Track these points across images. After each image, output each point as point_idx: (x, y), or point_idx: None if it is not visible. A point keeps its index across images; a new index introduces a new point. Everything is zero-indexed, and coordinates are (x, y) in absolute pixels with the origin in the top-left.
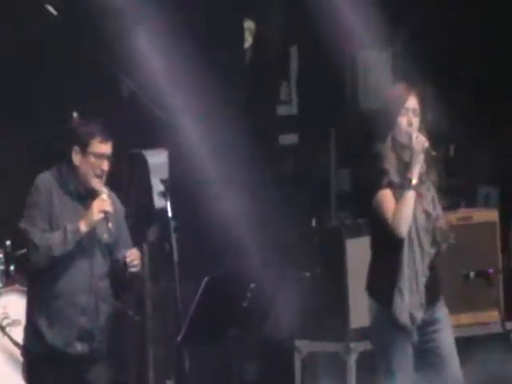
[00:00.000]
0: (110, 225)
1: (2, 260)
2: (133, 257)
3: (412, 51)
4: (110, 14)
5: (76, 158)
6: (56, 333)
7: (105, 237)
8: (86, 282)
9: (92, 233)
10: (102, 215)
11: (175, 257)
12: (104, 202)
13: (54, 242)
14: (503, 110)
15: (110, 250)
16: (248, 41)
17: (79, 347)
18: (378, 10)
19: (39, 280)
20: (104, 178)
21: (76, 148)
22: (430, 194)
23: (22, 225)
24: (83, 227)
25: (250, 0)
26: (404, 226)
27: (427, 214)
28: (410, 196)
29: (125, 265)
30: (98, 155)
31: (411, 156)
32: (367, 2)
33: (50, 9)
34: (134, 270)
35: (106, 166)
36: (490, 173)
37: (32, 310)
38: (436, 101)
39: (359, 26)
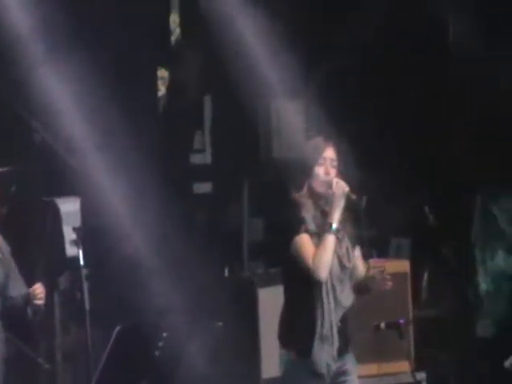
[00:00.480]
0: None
1: None
2: (38, 290)
3: (324, 100)
4: (17, 55)
5: None
6: None
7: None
8: None
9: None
10: None
11: (86, 305)
12: None
13: None
14: (417, 164)
15: (1, 289)
16: (161, 90)
17: None
18: (290, 59)
19: None
20: None
21: None
22: (345, 245)
23: None
24: None
25: (164, 49)
26: (324, 270)
27: (342, 266)
28: (331, 240)
29: (27, 300)
30: None
31: (329, 203)
32: (280, 51)
33: None
34: (38, 302)
35: None
36: (401, 224)
37: None
38: (347, 152)
39: (272, 75)
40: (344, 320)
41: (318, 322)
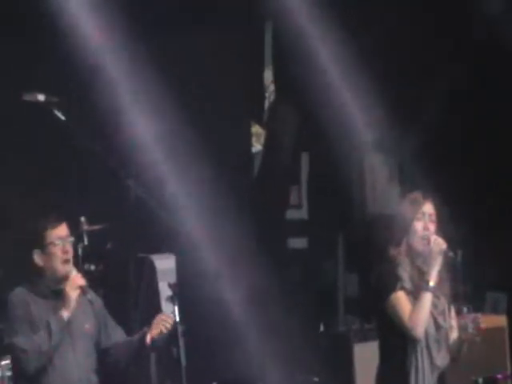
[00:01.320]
0: (88, 296)
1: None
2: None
3: (420, 159)
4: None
5: (39, 259)
6: None
7: (86, 327)
8: (77, 374)
9: (74, 325)
10: (78, 291)
11: (183, 361)
12: (75, 279)
13: (40, 339)
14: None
15: (96, 341)
16: (255, 146)
17: None
18: (385, 112)
19: (28, 381)
20: (70, 260)
21: (36, 251)
22: (441, 304)
23: (6, 339)
24: (65, 313)
25: (258, 104)
26: (421, 328)
27: (437, 326)
28: (428, 298)
29: (142, 337)
30: (55, 242)
31: (427, 261)
32: (375, 106)
33: (58, 114)
34: (165, 330)
35: (68, 246)
36: (497, 279)
37: None
38: (443, 208)
39: (367, 130)
40: (440, 380)
41: (411, 382)
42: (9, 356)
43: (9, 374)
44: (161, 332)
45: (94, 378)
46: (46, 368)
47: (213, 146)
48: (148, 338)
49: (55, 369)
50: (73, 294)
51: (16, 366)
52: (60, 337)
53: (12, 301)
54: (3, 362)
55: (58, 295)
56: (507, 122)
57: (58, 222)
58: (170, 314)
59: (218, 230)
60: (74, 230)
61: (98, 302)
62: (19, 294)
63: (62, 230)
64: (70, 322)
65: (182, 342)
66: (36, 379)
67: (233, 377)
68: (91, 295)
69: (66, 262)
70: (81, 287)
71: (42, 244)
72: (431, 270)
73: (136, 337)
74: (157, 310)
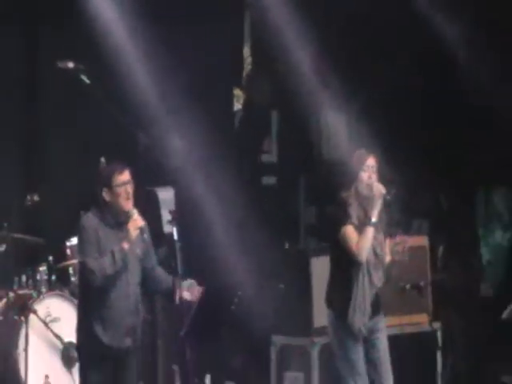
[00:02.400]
0: (145, 235)
1: (46, 271)
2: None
3: (367, 115)
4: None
5: (107, 196)
6: (110, 334)
7: (138, 252)
8: (129, 290)
9: (129, 252)
10: (137, 231)
11: (179, 271)
12: (136, 221)
13: (106, 263)
14: (435, 163)
15: (142, 261)
16: (236, 105)
17: (127, 342)
18: (339, 82)
19: (92, 295)
20: (131, 200)
21: (104, 189)
22: (379, 237)
23: (79, 258)
24: (125, 245)
25: (238, 73)
26: (364, 254)
27: (375, 254)
28: (370, 231)
29: (173, 290)
30: (120, 184)
31: (370, 202)
32: (330, 76)
33: (84, 78)
34: (195, 299)
35: (129, 188)
36: (422, 208)
37: (86, 318)
38: (381, 157)
39: (324, 95)
40: (376, 294)
41: (353, 296)
42: (46, 263)
43: (45, 277)
44: (189, 299)
45: (139, 293)
46: (107, 285)
47: (204, 105)
48: (177, 298)
49: (113, 286)
50: (133, 232)
51: (83, 282)
52: (121, 265)
53: (84, 225)
54: (41, 268)
55: (120, 226)
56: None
57: (123, 168)
58: (199, 288)
59: (207, 169)
60: (95, 168)
61: (147, 233)
62: (90, 220)
63: (125, 176)
64: (126, 253)
65: (179, 256)
66: (99, 293)
67: (217, 283)
68: (146, 233)
69: (127, 200)
70: (140, 228)
71: (110, 185)
72: (373, 210)
73: (165, 286)
74: (159, 230)
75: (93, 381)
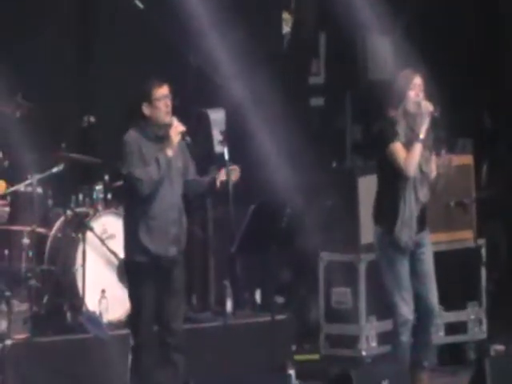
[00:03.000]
0: (187, 139)
1: (103, 190)
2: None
3: (410, 36)
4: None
5: (147, 111)
6: (156, 244)
7: (179, 164)
8: (172, 200)
9: (171, 163)
10: (179, 136)
11: (230, 188)
12: (177, 127)
13: (152, 170)
14: (479, 81)
15: (183, 174)
16: (284, 28)
17: (172, 251)
18: (383, 2)
19: (139, 205)
20: (170, 112)
21: (144, 103)
22: (426, 154)
23: (124, 171)
24: (169, 152)
25: None
26: (412, 169)
27: (421, 171)
28: (418, 147)
29: (213, 181)
30: (160, 98)
31: (418, 120)
32: None
33: (138, 3)
34: (234, 178)
35: (168, 101)
36: (466, 127)
37: (133, 230)
38: (428, 75)
39: (370, 15)
40: (422, 210)
41: (401, 211)
42: (102, 182)
43: (101, 196)
44: (229, 179)
45: (182, 205)
46: (152, 195)
47: (254, 27)
48: (218, 182)
49: (158, 196)
50: (175, 138)
51: (129, 193)
52: (165, 170)
53: (127, 140)
54: (97, 187)
55: (161, 140)
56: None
57: (162, 83)
58: (235, 166)
59: (258, 89)
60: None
61: (184, 146)
62: (132, 135)
63: (165, 89)
64: (170, 159)
65: (230, 175)
66: (144, 203)
67: (267, 201)
68: (188, 138)
69: (167, 113)
70: (181, 133)
71: (149, 99)
72: (421, 127)
73: (206, 179)
74: (211, 150)
75: (142, 293)
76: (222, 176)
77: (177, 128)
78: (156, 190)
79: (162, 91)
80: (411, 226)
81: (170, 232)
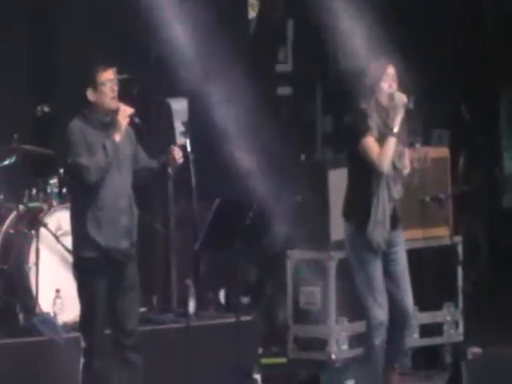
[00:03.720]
0: (136, 119)
1: (57, 184)
2: (177, 151)
3: (384, 20)
4: None
5: (91, 96)
6: (106, 236)
7: (127, 152)
8: (122, 189)
9: (119, 149)
10: (127, 119)
11: (193, 183)
12: (125, 110)
13: (99, 158)
14: (457, 70)
15: (133, 162)
16: (251, 14)
17: (124, 243)
18: None
19: (85, 196)
20: (116, 97)
21: (89, 89)
22: (399, 148)
23: (70, 160)
24: (117, 137)
25: None
26: (386, 165)
27: (394, 166)
28: (392, 141)
29: (164, 162)
30: (105, 82)
31: (391, 112)
32: None
33: None
34: (179, 161)
35: (115, 86)
36: (442, 118)
37: (81, 223)
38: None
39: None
40: (395, 208)
41: (373, 209)
42: (56, 175)
43: (56, 190)
44: (174, 161)
45: (132, 194)
46: (99, 184)
47: (218, 12)
48: (170, 160)
49: (105, 185)
50: (123, 121)
51: (75, 183)
52: (113, 156)
53: (71, 129)
54: (51, 181)
55: (107, 127)
56: None
57: (107, 66)
58: (176, 147)
59: (222, 78)
60: None
61: (131, 132)
62: (76, 123)
63: (110, 74)
64: (117, 145)
65: (192, 168)
66: (91, 193)
67: (232, 196)
68: (137, 119)
69: (113, 98)
70: (130, 115)
71: (94, 83)
72: (395, 119)
73: (156, 162)
74: (172, 142)
75: (93, 292)
76: (172, 153)
77: (124, 111)
78: (103, 178)
79: (107, 75)
80: (384, 225)
81: (120, 222)
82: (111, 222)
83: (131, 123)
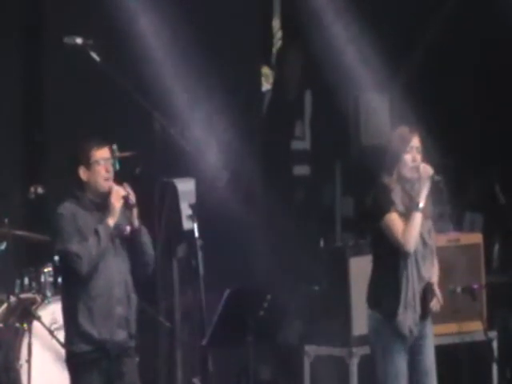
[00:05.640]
0: (132, 199)
1: (52, 273)
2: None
3: (407, 94)
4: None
5: (84, 176)
6: (100, 327)
7: (126, 232)
8: (117, 276)
9: (114, 232)
10: (121, 201)
11: (201, 271)
12: (118, 191)
13: (91, 245)
14: (488, 149)
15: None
16: (264, 85)
17: (120, 335)
18: (379, 57)
19: (77, 284)
20: (111, 178)
21: (81, 167)
22: (427, 225)
23: (60, 246)
24: (110, 221)
25: (267, 49)
26: (412, 243)
27: (424, 242)
28: (418, 217)
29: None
30: (99, 162)
31: (415, 187)
32: (369, 50)
33: (94, 55)
34: (132, 201)
35: (109, 166)
36: (475, 201)
37: (73, 314)
38: (426, 138)
39: (362, 72)
40: (425, 290)
41: (403, 292)
42: (51, 263)
43: (50, 279)
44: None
45: (130, 281)
46: (92, 272)
47: (230, 85)
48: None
49: (99, 272)
50: (117, 204)
51: (66, 271)
52: (107, 242)
53: (61, 213)
54: (46, 269)
55: (100, 209)
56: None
57: (102, 144)
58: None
59: (232, 157)
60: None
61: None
62: (67, 207)
63: (105, 152)
64: (111, 230)
65: (200, 255)
66: (84, 282)
67: (244, 286)
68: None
69: (107, 179)
70: (123, 197)
71: (87, 162)
72: (420, 193)
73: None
74: (179, 226)
75: None
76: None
77: (118, 192)
78: (97, 265)
79: (102, 153)
80: (415, 309)
81: (114, 313)
82: (105, 313)
83: (126, 204)
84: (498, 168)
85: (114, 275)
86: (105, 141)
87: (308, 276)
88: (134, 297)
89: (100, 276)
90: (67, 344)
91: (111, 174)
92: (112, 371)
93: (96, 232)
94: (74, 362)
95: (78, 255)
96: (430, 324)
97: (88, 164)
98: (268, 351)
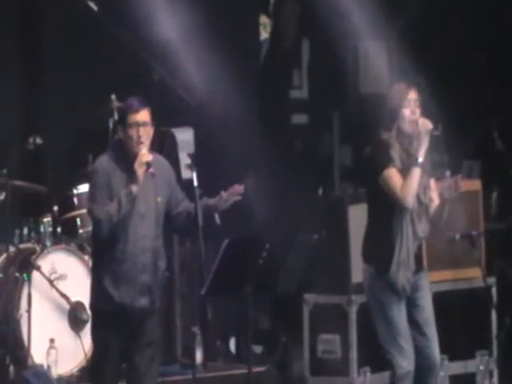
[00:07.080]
0: (151, 170)
1: (51, 223)
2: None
3: (406, 42)
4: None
5: (121, 135)
6: (122, 292)
7: (159, 200)
8: (144, 243)
9: (144, 198)
10: (144, 167)
11: (200, 221)
12: (142, 156)
13: (112, 210)
14: (486, 96)
15: (167, 211)
16: (263, 35)
17: (142, 301)
18: (376, 5)
19: (103, 247)
20: (146, 143)
21: (119, 127)
22: (424, 181)
23: (88, 205)
24: (134, 187)
25: None
26: (410, 199)
27: (419, 201)
28: (417, 172)
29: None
30: (133, 125)
31: (415, 141)
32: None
33: (92, 5)
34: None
35: (142, 131)
36: (472, 149)
37: (98, 274)
38: (425, 88)
39: (360, 20)
40: (420, 247)
41: (397, 249)
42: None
43: (50, 229)
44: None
45: (159, 246)
46: (119, 236)
47: (227, 34)
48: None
49: (127, 237)
50: (140, 170)
51: (93, 232)
52: (128, 209)
53: (96, 169)
54: (45, 219)
55: (132, 170)
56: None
57: (139, 108)
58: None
59: (230, 106)
60: (106, 106)
61: (172, 175)
62: (104, 162)
63: (140, 116)
64: (140, 195)
65: (199, 205)
66: (110, 245)
67: (242, 235)
68: (162, 165)
69: (138, 143)
70: (147, 163)
71: (124, 123)
72: (420, 148)
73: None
74: (177, 176)
75: (104, 343)
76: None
77: (141, 158)
78: (123, 230)
79: (136, 117)
80: (409, 266)
81: (138, 280)
82: (129, 279)
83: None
84: (497, 115)
85: (141, 242)
86: (142, 104)
87: (307, 225)
88: (161, 264)
89: (127, 242)
90: (91, 300)
91: (143, 139)
92: (131, 331)
93: (118, 200)
94: (96, 317)
95: (100, 219)
96: (426, 275)
97: (124, 126)
98: (267, 300)
